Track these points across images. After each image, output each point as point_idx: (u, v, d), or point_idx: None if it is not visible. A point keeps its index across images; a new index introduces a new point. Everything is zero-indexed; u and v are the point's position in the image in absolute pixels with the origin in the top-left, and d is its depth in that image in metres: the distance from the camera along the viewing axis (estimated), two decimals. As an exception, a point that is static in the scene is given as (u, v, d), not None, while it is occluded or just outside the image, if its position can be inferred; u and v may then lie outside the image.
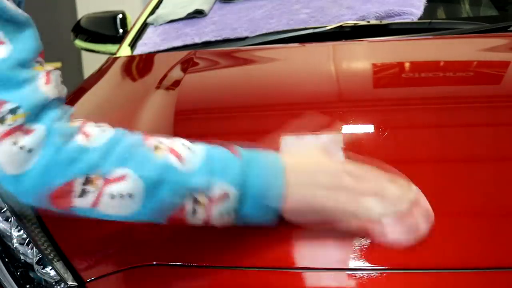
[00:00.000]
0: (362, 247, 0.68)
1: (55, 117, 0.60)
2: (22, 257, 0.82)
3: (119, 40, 1.71)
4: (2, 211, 0.86)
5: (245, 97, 1.11)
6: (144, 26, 1.65)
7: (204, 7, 1.59)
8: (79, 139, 0.60)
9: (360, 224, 0.65)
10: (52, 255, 0.78)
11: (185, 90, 1.15)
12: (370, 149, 0.86)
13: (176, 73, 1.28)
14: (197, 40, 1.46)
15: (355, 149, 0.85)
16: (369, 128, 0.92)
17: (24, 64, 0.60)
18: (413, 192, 0.67)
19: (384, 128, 0.89)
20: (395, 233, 0.64)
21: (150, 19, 1.64)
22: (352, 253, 0.68)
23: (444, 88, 1.05)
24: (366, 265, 0.67)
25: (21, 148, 0.58)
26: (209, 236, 0.74)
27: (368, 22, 1.36)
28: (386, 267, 0.66)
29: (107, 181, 0.60)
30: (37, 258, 0.80)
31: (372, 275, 0.66)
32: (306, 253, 0.70)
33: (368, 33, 1.33)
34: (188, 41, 1.47)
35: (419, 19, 1.38)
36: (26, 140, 0.58)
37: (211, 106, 1.08)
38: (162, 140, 0.65)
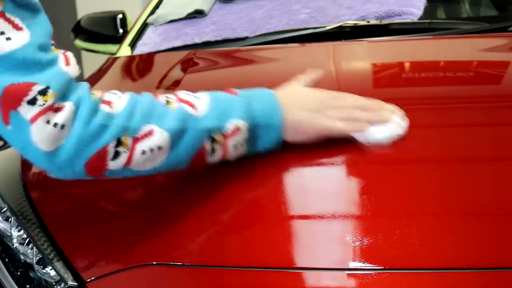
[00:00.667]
0: (362, 247, 0.68)
1: (80, 93, 0.66)
2: (22, 257, 0.82)
3: (119, 40, 1.71)
4: (2, 211, 0.86)
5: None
6: (144, 26, 1.65)
7: (204, 7, 1.59)
8: (103, 108, 0.66)
9: (351, 129, 0.80)
10: (52, 255, 0.78)
11: (185, 90, 1.15)
12: (369, 148, 0.86)
13: (176, 73, 1.28)
14: (197, 40, 1.46)
15: (356, 149, 0.85)
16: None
17: (44, 48, 0.64)
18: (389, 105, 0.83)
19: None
20: (377, 133, 0.80)
21: (150, 19, 1.64)
22: (352, 253, 0.68)
23: (444, 88, 1.05)
24: (366, 265, 0.67)
25: (54, 125, 0.63)
26: (209, 236, 0.74)
27: (368, 22, 1.36)
28: (386, 267, 0.66)
29: (136, 140, 0.67)
30: (37, 258, 0.80)
31: (372, 275, 0.66)
32: (306, 253, 0.70)
33: (368, 33, 1.33)
34: (188, 41, 1.47)
35: (419, 19, 1.38)
36: (58, 118, 0.63)
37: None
38: (168, 95, 0.73)
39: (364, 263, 0.67)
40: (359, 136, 0.81)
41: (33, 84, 0.62)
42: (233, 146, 0.74)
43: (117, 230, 0.79)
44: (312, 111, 0.79)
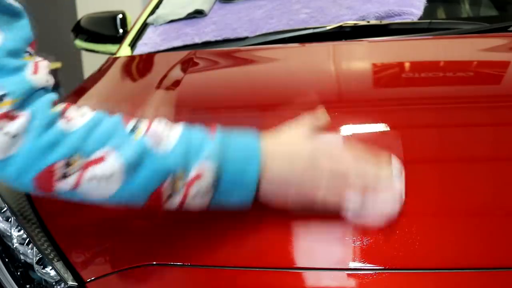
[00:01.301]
0: (362, 247, 0.68)
1: (40, 104, 0.62)
2: (22, 257, 0.82)
3: (119, 40, 1.71)
4: (2, 211, 0.86)
5: (245, 97, 1.11)
6: (144, 26, 1.65)
7: (204, 7, 1.59)
8: (60, 124, 0.62)
9: (334, 203, 0.68)
10: (52, 255, 0.78)
11: (185, 90, 1.15)
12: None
13: (176, 73, 1.28)
14: (197, 40, 1.46)
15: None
16: (369, 128, 0.92)
17: (14, 54, 0.62)
18: (390, 175, 0.70)
19: (384, 128, 0.89)
20: (366, 215, 0.68)
21: (150, 19, 1.64)
22: (352, 253, 0.68)
23: (444, 88, 1.05)
24: (366, 265, 0.67)
25: (5, 134, 0.60)
26: (209, 236, 0.74)
27: (368, 22, 1.36)
28: (386, 267, 0.66)
29: (87, 164, 0.62)
30: (37, 258, 0.80)
31: (372, 275, 0.66)
32: (306, 253, 0.70)
33: (368, 33, 1.33)
34: (188, 41, 1.47)
35: (419, 19, 1.38)
36: (11, 126, 0.60)
37: (211, 106, 1.08)
38: (140, 122, 0.66)
39: (364, 263, 0.67)
40: (351, 214, 0.69)
41: None
42: (194, 194, 0.65)
43: (117, 230, 0.79)
44: (299, 169, 0.67)
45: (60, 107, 0.64)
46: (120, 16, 1.81)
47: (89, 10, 2.06)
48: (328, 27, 1.35)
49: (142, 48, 1.51)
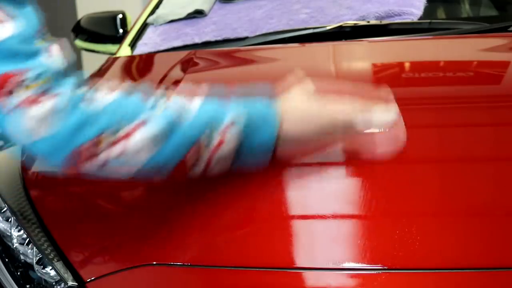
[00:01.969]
0: (362, 247, 0.68)
1: (73, 82, 0.65)
2: (22, 257, 0.82)
3: (119, 40, 1.71)
4: (2, 211, 0.86)
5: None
6: (144, 26, 1.65)
7: (204, 7, 1.59)
8: (85, 105, 0.65)
9: (350, 135, 0.74)
10: (52, 255, 0.78)
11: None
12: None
13: (176, 73, 1.28)
14: (197, 40, 1.46)
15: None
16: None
17: (27, 40, 0.64)
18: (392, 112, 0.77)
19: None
20: (380, 144, 0.75)
21: (150, 19, 1.64)
22: (352, 253, 0.68)
23: (444, 88, 1.05)
24: (366, 265, 0.67)
25: (46, 112, 0.62)
26: (209, 236, 0.74)
27: (368, 22, 1.36)
28: (386, 267, 0.66)
29: (115, 141, 0.65)
30: (37, 258, 0.80)
31: (372, 275, 0.66)
32: (306, 253, 0.70)
33: (368, 33, 1.33)
34: (188, 41, 1.47)
35: (419, 19, 1.38)
36: (37, 110, 0.62)
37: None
38: (161, 97, 0.70)
39: (364, 263, 0.67)
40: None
41: (26, 70, 0.62)
42: (218, 158, 0.70)
43: (117, 230, 0.79)
44: (311, 104, 0.74)
45: (83, 88, 0.66)
46: (120, 16, 1.81)
47: (89, 10, 2.06)
48: (328, 27, 1.35)
49: (142, 48, 1.51)
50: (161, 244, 0.74)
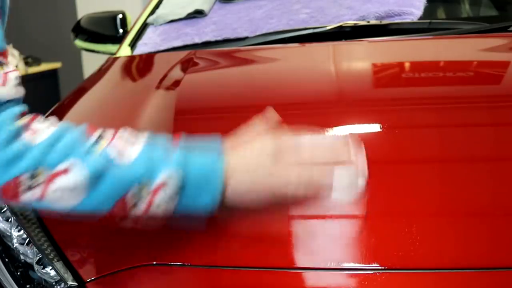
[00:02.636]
0: (362, 247, 0.68)
1: (6, 117, 0.63)
2: (22, 257, 0.82)
3: (119, 40, 1.71)
4: (2, 211, 0.86)
5: (245, 97, 1.11)
6: (144, 26, 1.65)
7: (204, 7, 1.59)
8: (25, 137, 0.63)
9: (304, 191, 0.66)
10: (52, 255, 0.78)
11: (185, 90, 1.15)
12: (370, 149, 0.86)
13: (176, 73, 1.28)
14: (197, 40, 1.46)
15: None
16: (369, 128, 0.92)
17: None
18: (350, 155, 0.68)
19: (384, 128, 0.89)
20: (335, 192, 0.66)
21: (150, 19, 1.64)
22: (352, 253, 0.68)
23: (444, 88, 1.05)
24: (366, 265, 0.67)
25: None
26: (209, 237, 0.74)
27: (368, 22, 1.36)
28: (386, 267, 0.66)
29: (52, 176, 0.62)
30: (37, 258, 0.80)
31: (372, 275, 0.66)
32: (306, 253, 0.70)
33: (368, 33, 1.33)
34: (188, 41, 1.47)
35: (419, 19, 1.38)
36: None
37: (211, 106, 1.08)
38: (104, 133, 0.67)
39: (364, 263, 0.67)
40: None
41: None
42: (159, 202, 0.65)
43: (117, 230, 0.79)
44: (263, 168, 0.66)
45: (25, 119, 0.64)
46: (120, 16, 1.81)
47: (89, 10, 2.06)
48: (328, 27, 1.35)
49: (142, 48, 1.51)
50: (161, 244, 0.74)
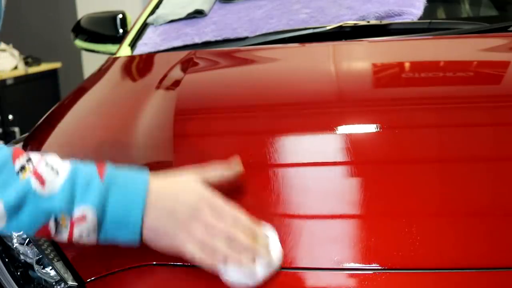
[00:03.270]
0: (362, 247, 0.68)
1: None
2: (22, 257, 0.82)
3: (119, 40, 1.71)
4: (2, 211, 0.86)
5: (245, 97, 1.11)
6: (144, 26, 1.65)
7: (204, 7, 1.59)
8: None
9: (203, 260, 0.66)
10: (52, 255, 0.78)
11: (185, 90, 1.15)
12: (370, 149, 0.86)
13: (176, 73, 1.28)
14: (197, 40, 1.46)
15: (356, 149, 0.85)
16: (369, 128, 0.92)
17: None
18: (262, 242, 0.68)
19: (384, 128, 0.89)
20: (233, 276, 0.66)
21: (150, 19, 1.64)
22: (352, 253, 0.68)
23: (444, 88, 1.05)
24: (366, 265, 0.67)
25: None
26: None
27: (368, 22, 1.36)
28: (386, 267, 0.66)
29: None
30: (37, 258, 0.80)
31: (372, 275, 0.66)
32: (306, 253, 0.70)
33: (368, 33, 1.33)
34: (188, 41, 1.47)
35: (419, 19, 1.38)
36: None
37: (211, 106, 1.08)
38: (29, 161, 0.66)
39: (364, 263, 0.67)
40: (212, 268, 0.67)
41: None
42: (79, 233, 0.66)
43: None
44: (178, 220, 0.67)
45: None
46: (120, 16, 1.82)
47: (89, 10, 2.06)
48: (328, 27, 1.35)
49: (142, 48, 1.51)
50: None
